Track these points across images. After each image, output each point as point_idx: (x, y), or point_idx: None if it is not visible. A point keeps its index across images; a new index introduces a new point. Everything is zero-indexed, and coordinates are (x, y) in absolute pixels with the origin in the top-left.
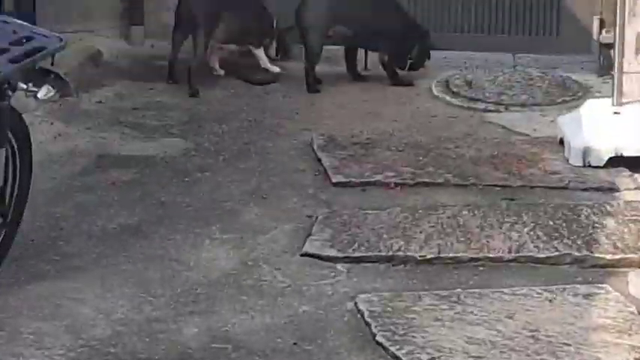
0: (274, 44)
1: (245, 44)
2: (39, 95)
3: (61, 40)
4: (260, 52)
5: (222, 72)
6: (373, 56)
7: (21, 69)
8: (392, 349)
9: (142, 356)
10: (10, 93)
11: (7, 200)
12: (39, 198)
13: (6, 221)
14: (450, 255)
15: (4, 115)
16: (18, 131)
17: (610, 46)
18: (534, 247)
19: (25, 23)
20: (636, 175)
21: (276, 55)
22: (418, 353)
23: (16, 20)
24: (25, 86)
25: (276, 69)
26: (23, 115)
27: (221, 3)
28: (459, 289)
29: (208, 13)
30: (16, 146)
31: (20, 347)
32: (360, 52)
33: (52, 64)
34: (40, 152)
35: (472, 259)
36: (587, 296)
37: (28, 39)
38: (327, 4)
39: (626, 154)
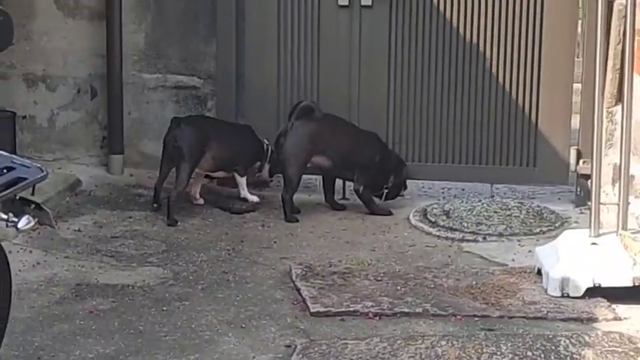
0: (267, 166)
1: (231, 171)
2: (19, 225)
3: (42, 170)
4: (242, 180)
5: (201, 201)
6: (351, 185)
7: (1, 200)
8: None
9: None
10: None
11: None
12: (17, 327)
13: None
14: None
15: None
16: None
17: (587, 176)
18: None
19: (5, 153)
20: (614, 306)
21: (270, 178)
22: None
23: None
24: (5, 216)
25: (255, 199)
26: (2, 244)
27: (207, 136)
28: None
29: (193, 146)
30: None
31: None
32: (338, 181)
33: (33, 193)
34: (18, 280)
35: None
36: None
37: (9, 169)
38: (308, 135)
39: (603, 284)
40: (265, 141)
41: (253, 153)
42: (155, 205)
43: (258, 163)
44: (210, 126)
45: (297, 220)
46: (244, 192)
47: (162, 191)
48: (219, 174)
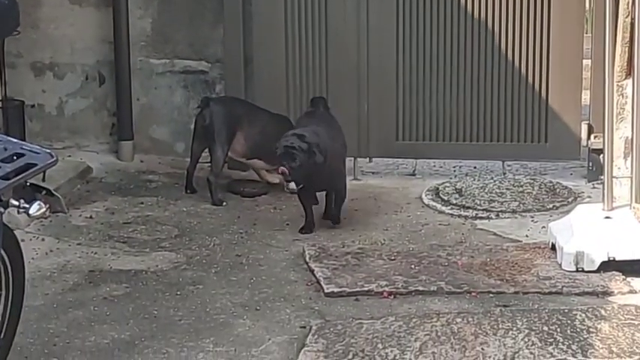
0: None
1: (270, 161)
2: (30, 212)
3: (52, 156)
4: None
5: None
6: (362, 166)
7: (12, 186)
8: None
9: None
10: (1, 210)
11: (0, 317)
12: (32, 314)
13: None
14: None
15: None
16: (10, 248)
17: (599, 151)
18: (529, 353)
19: (15, 140)
20: (629, 279)
21: None
22: None
23: (6, 137)
24: (16, 203)
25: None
26: (14, 232)
27: (237, 116)
28: None
29: (222, 125)
30: (8, 263)
31: None
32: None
33: (44, 180)
34: (31, 268)
35: None
36: None
37: (19, 155)
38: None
39: (618, 258)
40: None
41: None
42: (188, 191)
43: None
44: (242, 107)
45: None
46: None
47: (194, 176)
48: (256, 163)
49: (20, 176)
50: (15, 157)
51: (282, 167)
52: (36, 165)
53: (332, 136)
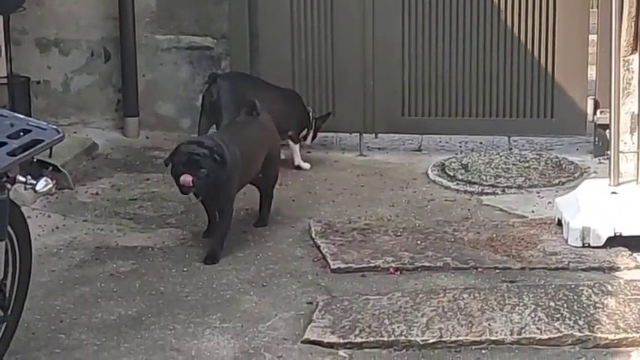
0: (311, 134)
1: (283, 138)
2: (37, 188)
3: (58, 132)
4: (296, 148)
5: (307, 165)
6: (368, 142)
7: (19, 162)
8: None
9: None
10: (8, 186)
11: (7, 294)
12: (38, 291)
13: (6, 315)
14: (452, 339)
15: (4, 207)
16: (17, 224)
17: (605, 126)
18: (536, 328)
19: (22, 116)
20: (635, 254)
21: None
22: None
23: (13, 113)
24: (23, 179)
25: (307, 165)
26: (21, 208)
27: (244, 91)
28: None
29: (229, 100)
30: (15, 239)
31: None
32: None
33: (50, 155)
34: (38, 245)
35: (474, 342)
36: None
37: (26, 131)
38: None
39: (624, 233)
40: (309, 108)
41: (302, 119)
42: None
43: (305, 131)
44: (249, 82)
45: None
46: (298, 160)
47: None
48: None
49: (27, 152)
50: (22, 134)
51: (184, 177)
52: (42, 141)
53: (235, 145)
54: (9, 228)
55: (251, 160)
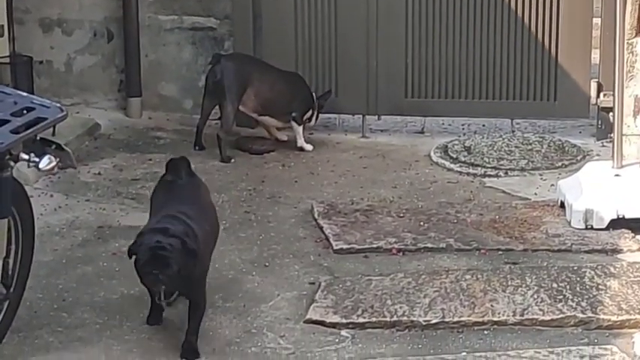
0: (315, 114)
1: (282, 118)
2: (40, 165)
3: (61, 110)
4: (299, 130)
5: (284, 137)
6: (371, 124)
7: (22, 140)
8: None
9: None
10: (12, 164)
11: (10, 271)
12: (41, 270)
13: (9, 293)
14: (455, 319)
15: (7, 185)
16: (20, 202)
17: (608, 109)
18: (539, 309)
19: (25, 94)
20: (638, 237)
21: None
22: None
23: (16, 91)
24: (26, 157)
25: (309, 147)
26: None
27: (248, 72)
28: (464, 353)
29: (233, 80)
30: (18, 217)
31: None
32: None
33: (54, 134)
34: (40, 224)
35: (477, 323)
36: (593, 358)
37: (29, 109)
38: None
39: (627, 215)
40: (313, 90)
41: (305, 101)
42: (197, 148)
43: (310, 113)
44: (252, 63)
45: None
46: (301, 141)
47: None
48: (267, 120)
49: (30, 130)
50: (25, 111)
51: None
52: (46, 119)
53: (201, 217)
54: (12, 206)
55: (215, 229)
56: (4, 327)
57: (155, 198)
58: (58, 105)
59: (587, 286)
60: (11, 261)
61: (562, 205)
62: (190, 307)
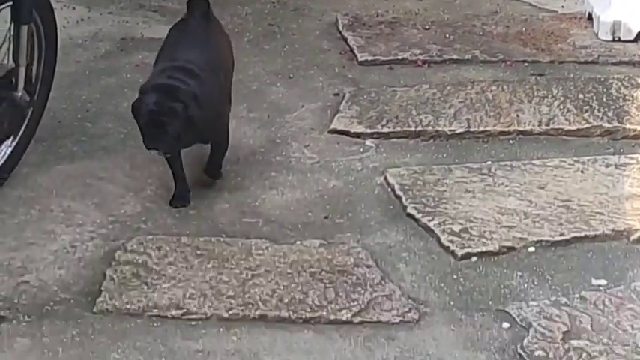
0: None
1: None
2: None
3: None
4: None
5: None
6: None
7: None
8: (423, 220)
9: (174, 231)
10: None
11: (33, 78)
12: (64, 81)
13: (33, 100)
14: (480, 129)
15: None
16: (43, 8)
17: None
18: (565, 120)
19: None
20: None
21: None
22: (450, 224)
23: None
24: None
25: None
26: None
27: None
28: (489, 162)
29: None
30: (41, 25)
31: (52, 225)
32: None
33: None
34: (63, 36)
35: (502, 133)
36: (618, 167)
37: None
38: None
39: None
40: None
41: None
42: None
43: None
44: None
45: None
46: None
47: None
48: None
49: None
50: None
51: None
52: None
53: (213, 64)
54: (35, 13)
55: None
56: (29, 134)
57: (167, 40)
58: None
59: (614, 97)
60: (34, 68)
61: (589, 17)
62: (211, 146)
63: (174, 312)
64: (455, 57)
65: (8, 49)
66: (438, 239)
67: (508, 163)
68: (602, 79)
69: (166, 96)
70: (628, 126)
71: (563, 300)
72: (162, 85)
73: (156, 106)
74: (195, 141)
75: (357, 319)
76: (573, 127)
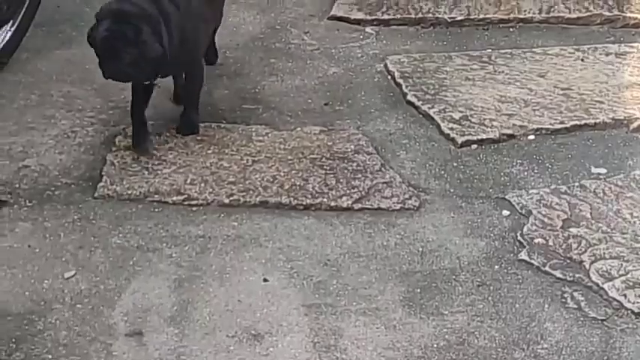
0: None
1: None
2: None
3: None
4: None
5: None
6: None
7: None
8: (424, 107)
9: (174, 116)
10: None
11: None
12: None
13: None
14: (480, 16)
15: None
16: None
17: None
18: (565, 7)
19: None
20: None
21: None
22: (450, 111)
23: None
24: None
25: None
26: None
27: None
28: (489, 50)
29: None
30: None
31: (52, 110)
32: None
33: None
34: None
35: (502, 21)
36: (619, 55)
37: None
38: None
39: None
40: None
41: None
42: None
43: None
44: None
45: None
46: None
47: None
48: None
49: None
50: None
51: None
52: None
53: None
54: None
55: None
56: (28, 18)
57: None
58: None
59: None
60: None
61: None
62: (185, 80)
63: (175, 197)
64: None
65: None
66: (438, 127)
67: (508, 50)
68: None
69: (119, 21)
70: (628, 14)
71: (563, 188)
72: (116, 11)
73: (108, 33)
74: (163, 71)
75: (357, 206)
76: (574, 15)
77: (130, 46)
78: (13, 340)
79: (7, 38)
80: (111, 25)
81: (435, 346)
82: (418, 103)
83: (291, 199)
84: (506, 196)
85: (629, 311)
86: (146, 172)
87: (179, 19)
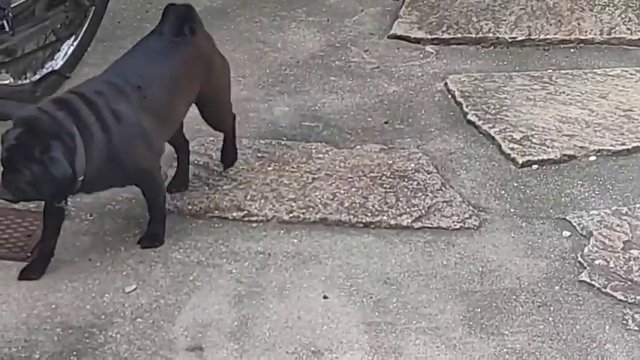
0: None
1: None
2: None
3: None
4: None
5: None
6: None
7: None
8: (484, 127)
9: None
10: None
11: None
12: None
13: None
14: (541, 37)
15: None
16: None
17: None
18: (626, 29)
19: None
20: None
21: None
22: (511, 131)
23: None
24: None
25: None
26: None
27: None
28: (550, 70)
29: None
30: None
31: None
32: None
33: None
34: None
35: (563, 41)
36: None
37: None
38: None
39: None
40: None
41: None
42: None
43: None
44: None
45: None
46: None
47: None
48: None
49: None
50: None
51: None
52: None
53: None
54: None
55: (167, 107)
56: (90, 34)
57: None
58: None
59: None
60: None
61: None
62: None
63: (235, 214)
64: None
65: None
66: (499, 146)
67: (569, 71)
68: None
69: (29, 132)
70: None
71: (624, 209)
72: (29, 120)
73: (14, 142)
74: (87, 190)
75: (417, 225)
76: (635, 37)
77: (33, 162)
78: (75, 353)
79: (69, 53)
80: (20, 135)
81: None
82: (479, 123)
83: (351, 216)
84: (567, 217)
85: None
86: (206, 188)
87: (106, 140)
